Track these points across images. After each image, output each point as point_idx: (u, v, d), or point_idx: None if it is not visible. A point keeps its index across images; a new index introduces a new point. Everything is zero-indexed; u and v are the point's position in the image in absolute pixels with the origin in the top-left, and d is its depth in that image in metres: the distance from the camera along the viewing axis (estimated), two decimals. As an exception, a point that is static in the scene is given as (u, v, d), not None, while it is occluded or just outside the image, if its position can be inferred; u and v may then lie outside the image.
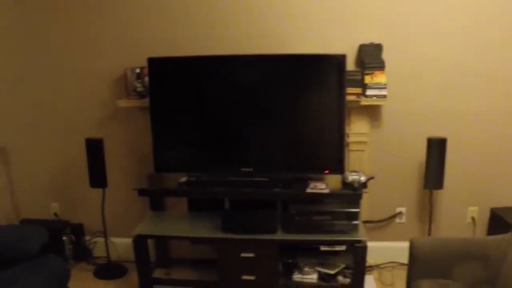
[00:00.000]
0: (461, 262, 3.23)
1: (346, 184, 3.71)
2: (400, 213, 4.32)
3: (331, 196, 3.72)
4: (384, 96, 3.85)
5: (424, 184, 3.99)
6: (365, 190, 3.69)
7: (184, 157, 3.94)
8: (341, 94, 3.67)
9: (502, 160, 4.24)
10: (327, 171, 3.77)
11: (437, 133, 4.03)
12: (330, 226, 3.64)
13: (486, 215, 4.33)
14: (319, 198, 3.72)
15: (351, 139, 4.02)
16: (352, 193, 3.67)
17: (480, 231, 4.37)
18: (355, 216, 3.63)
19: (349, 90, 3.80)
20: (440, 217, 4.32)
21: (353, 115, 4.00)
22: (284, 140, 3.81)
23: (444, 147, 3.88)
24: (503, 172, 4.26)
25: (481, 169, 4.25)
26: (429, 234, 4.14)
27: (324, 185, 3.75)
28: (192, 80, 3.83)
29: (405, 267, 4.01)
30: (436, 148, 3.88)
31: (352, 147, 4.05)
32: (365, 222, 4.17)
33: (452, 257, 3.23)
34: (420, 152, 4.11)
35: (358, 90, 3.89)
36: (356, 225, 3.66)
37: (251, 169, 3.82)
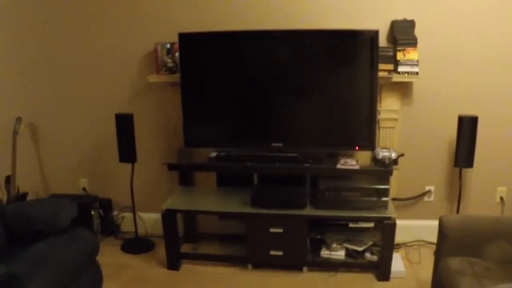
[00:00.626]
0: (491, 241, 3.20)
1: (376, 161, 3.69)
2: (429, 191, 4.29)
3: (361, 172, 3.71)
4: (416, 73, 3.81)
5: (454, 163, 3.95)
6: (395, 167, 3.68)
7: (214, 132, 3.95)
8: (373, 70, 3.64)
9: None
10: (357, 148, 3.75)
11: (468, 112, 3.97)
12: (360, 203, 3.65)
13: (515, 195, 4.34)
14: (349, 174, 3.72)
15: (382, 115, 3.98)
16: (383, 169, 3.66)
17: (509, 211, 4.33)
18: (384, 193, 3.62)
19: (381, 66, 3.76)
20: (469, 196, 4.28)
21: (384, 91, 3.95)
22: (315, 115, 3.79)
23: (476, 125, 3.83)
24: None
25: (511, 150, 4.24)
26: (457, 213, 4.11)
27: (354, 162, 3.73)
28: (222, 55, 3.82)
29: (433, 246, 4.00)
30: (467, 126, 3.83)
31: (382, 123, 4.02)
32: (394, 199, 4.13)
33: (482, 236, 3.21)
34: (450, 131, 4.07)
35: (390, 67, 3.84)
36: (386, 202, 3.65)
37: (281, 145, 3.82)
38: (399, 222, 3.82)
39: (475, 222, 3.25)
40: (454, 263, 3.07)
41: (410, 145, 4.16)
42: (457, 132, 3.87)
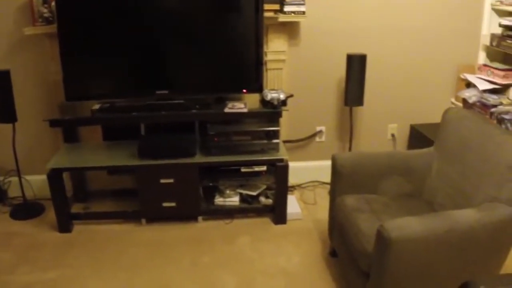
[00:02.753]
0: (385, 176, 3.19)
1: (265, 103, 3.55)
2: (320, 131, 4.23)
3: (250, 115, 3.56)
4: (303, 13, 3.68)
5: (344, 101, 3.89)
6: (284, 108, 3.56)
7: (96, 83, 3.64)
8: (258, 11, 3.47)
9: (421, 78, 4.21)
10: (245, 90, 3.59)
11: (357, 50, 3.91)
12: (250, 146, 3.52)
13: (405, 131, 4.32)
14: (237, 117, 3.57)
15: (269, 57, 3.84)
16: (272, 111, 3.53)
17: (400, 147, 4.37)
18: (275, 134, 3.51)
19: (267, 6, 3.60)
20: (360, 135, 4.27)
21: (271, 33, 3.79)
22: (200, 60, 3.59)
23: (364, 64, 3.77)
24: (422, 90, 4.24)
25: (400, 87, 4.21)
26: (349, 147, 4.09)
27: (242, 105, 3.57)
28: (100, 1, 3.51)
29: (327, 186, 3.97)
30: (356, 65, 3.76)
31: (270, 65, 3.88)
32: (285, 142, 4.06)
33: (376, 172, 3.19)
34: (340, 70, 4.01)
35: (276, 7, 3.68)
36: (277, 144, 3.54)
37: (166, 92, 3.59)
38: (292, 164, 3.76)
39: (368, 159, 3.22)
40: (350, 200, 3.03)
41: (300, 86, 4.06)
42: (346, 71, 3.79)
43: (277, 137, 3.53)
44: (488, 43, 4.02)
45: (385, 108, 4.24)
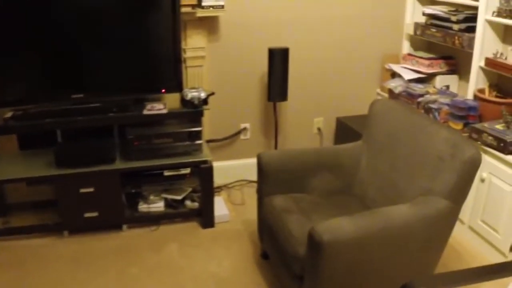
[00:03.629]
0: (314, 174, 3.06)
1: (185, 102, 3.34)
2: (244, 129, 4.06)
3: (170, 116, 3.36)
4: (222, 7, 3.50)
5: (268, 97, 3.75)
6: (206, 106, 3.38)
7: (6, 89, 3.30)
8: (175, 6, 3.26)
9: (346, 69, 4.12)
10: (164, 90, 3.37)
11: (280, 44, 3.76)
12: (173, 149, 3.32)
13: (332, 125, 4.22)
14: (157, 119, 3.36)
15: (188, 54, 3.64)
16: (192, 111, 3.34)
17: (327, 141, 4.27)
18: (197, 135, 3.33)
19: (184, 1, 3.40)
20: (286, 130, 4.14)
21: (189, 28, 3.59)
22: (116, 60, 3.33)
23: (287, 58, 3.64)
24: (347, 81, 4.16)
25: (325, 80, 4.11)
26: (275, 148, 3.95)
27: (162, 106, 3.35)
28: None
29: (255, 185, 3.82)
30: (278, 59, 3.61)
31: (189, 63, 3.67)
32: (209, 141, 3.89)
33: (304, 169, 3.06)
34: (262, 65, 3.85)
35: (193, 1, 3.48)
36: (200, 145, 3.37)
37: (82, 95, 3.30)
38: (217, 164, 3.64)
39: (295, 156, 3.08)
40: (279, 201, 2.88)
41: (222, 83, 3.87)
42: (268, 65, 3.64)
43: (199, 138, 3.34)
44: (412, 32, 3.96)
45: (310, 102, 4.13)
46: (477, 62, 3.47)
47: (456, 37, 3.53)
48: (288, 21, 3.86)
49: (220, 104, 3.87)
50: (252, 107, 4.02)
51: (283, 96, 3.73)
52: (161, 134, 3.29)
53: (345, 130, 4.06)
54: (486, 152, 3.14)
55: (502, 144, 3.08)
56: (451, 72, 3.89)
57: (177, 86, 3.37)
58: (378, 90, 4.26)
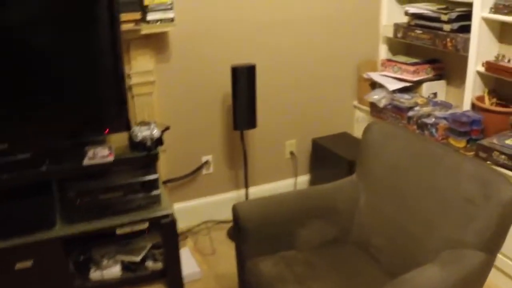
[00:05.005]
0: (302, 223, 2.38)
1: (135, 145, 2.57)
2: (206, 162, 3.33)
3: (119, 163, 2.58)
4: (171, 20, 2.79)
5: (233, 125, 3.04)
6: (161, 148, 2.64)
7: None
8: (113, 23, 2.49)
9: (318, 83, 3.48)
10: (107, 130, 2.61)
11: (243, 60, 3.07)
12: (125, 204, 2.56)
13: (306, 147, 3.57)
14: (102, 169, 2.58)
15: (134, 80, 2.89)
16: (145, 155, 2.57)
17: (302, 166, 3.61)
18: (153, 184, 2.58)
19: (124, 17, 2.65)
20: (255, 157, 3.44)
21: (133, 49, 2.85)
22: (45, 98, 2.53)
23: (253, 76, 2.94)
24: (320, 97, 3.52)
25: (296, 97, 3.46)
26: (245, 179, 3.22)
27: (106, 151, 2.57)
28: None
29: (223, 226, 3.20)
30: (244, 78, 2.92)
31: (136, 90, 2.92)
32: (166, 182, 3.17)
33: (291, 219, 2.37)
34: (224, 86, 3.17)
35: (136, 16, 2.73)
36: (157, 196, 2.61)
37: (5, 146, 2.49)
38: (178, 206, 3.05)
39: (278, 204, 2.40)
40: (267, 266, 2.21)
41: (176, 112, 3.15)
42: (232, 87, 2.94)
43: (156, 187, 2.59)
44: (391, 35, 3.36)
45: (280, 123, 3.45)
46: (474, 66, 2.90)
47: (448, 39, 2.95)
48: (250, 31, 3.18)
49: (176, 136, 3.13)
50: (214, 136, 3.31)
51: (252, 123, 3.04)
52: (108, 188, 2.52)
53: (322, 152, 3.44)
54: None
55: (518, 164, 2.58)
56: (438, 77, 3.32)
57: (123, 123, 2.61)
58: (356, 103, 3.64)
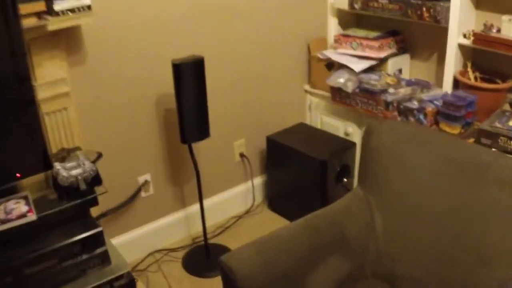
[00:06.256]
0: (315, 264, 1.76)
1: (64, 190, 1.76)
2: (145, 183, 2.55)
3: (44, 221, 1.71)
4: (88, 8, 1.96)
5: (181, 137, 2.26)
6: (99, 188, 1.82)
7: None
8: (11, 18, 1.64)
9: (264, 71, 2.81)
10: (19, 175, 1.78)
11: (182, 53, 2.28)
12: (62, 274, 1.75)
13: (259, 145, 2.92)
14: (22, 233, 1.71)
15: (41, 95, 2.02)
16: (80, 202, 1.78)
17: (256, 168, 2.97)
18: (97, 239, 1.79)
19: (24, 9, 1.80)
20: (200, 168, 2.54)
21: (37, 53, 1.98)
22: None
23: (202, 72, 2.21)
24: (269, 86, 2.85)
25: (242, 90, 2.77)
26: (199, 195, 2.47)
27: (24, 205, 1.71)
28: None
29: (175, 255, 2.53)
30: (189, 76, 2.17)
31: (46, 107, 2.06)
32: (100, 217, 2.36)
33: (300, 265, 1.74)
34: (162, 89, 2.41)
35: (40, 6, 1.89)
36: (104, 253, 1.82)
37: None
38: (118, 241, 2.41)
39: (282, 248, 1.73)
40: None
41: (102, 128, 2.33)
42: (175, 89, 2.18)
43: (101, 243, 1.79)
44: (344, 6, 2.74)
45: (225, 122, 2.74)
46: (455, 38, 2.40)
47: (425, 8, 2.42)
48: (184, 21, 2.41)
49: (105, 158, 2.14)
50: (150, 150, 2.53)
51: (204, 132, 2.30)
52: (36, 258, 1.69)
53: (278, 149, 2.80)
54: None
55: (531, 150, 2.14)
56: (402, 51, 2.79)
57: (40, 160, 1.79)
58: (307, 87, 3.00)
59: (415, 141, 1.83)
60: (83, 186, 1.74)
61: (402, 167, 1.82)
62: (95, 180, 1.79)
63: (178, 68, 2.15)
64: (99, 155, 1.96)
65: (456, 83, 2.50)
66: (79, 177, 1.75)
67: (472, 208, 1.64)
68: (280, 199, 2.94)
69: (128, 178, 2.48)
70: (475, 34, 2.31)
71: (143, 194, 2.56)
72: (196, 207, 2.71)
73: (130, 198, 2.50)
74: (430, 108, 2.37)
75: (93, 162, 1.87)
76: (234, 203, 2.94)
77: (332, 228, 1.85)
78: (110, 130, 2.35)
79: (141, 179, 2.52)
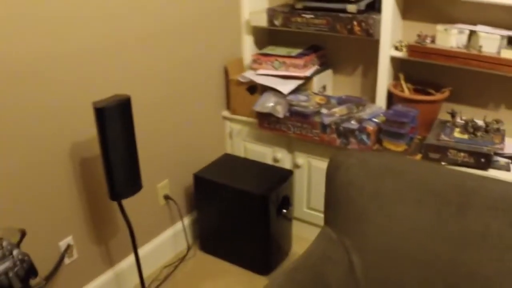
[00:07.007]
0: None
1: None
2: (68, 247, 2.07)
3: None
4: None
5: (110, 194, 1.86)
6: (36, 279, 1.40)
7: None
8: None
9: (181, 104, 2.44)
10: None
11: (100, 94, 1.97)
12: None
13: (183, 185, 2.57)
14: None
15: None
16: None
17: (184, 210, 2.62)
18: None
19: None
20: (122, 219, 2.11)
21: None
22: None
23: (129, 114, 1.81)
24: (185, 124, 2.49)
25: (159, 131, 2.35)
26: (134, 249, 2.19)
27: None
28: None
29: None
30: (115, 121, 1.77)
31: None
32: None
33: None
34: (76, 139, 1.97)
35: None
36: None
37: None
38: None
39: None
40: None
41: (8, 190, 1.82)
42: (99, 137, 1.77)
43: None
44: (262, 23, 2.50)
45: (147, 164, 2.33)
46: (387, 51, 2.28)
47: (355, 22, 2.26)
48: (90, 59, 1.92)
49: (18, 226, 1.65)
50: (70, 207, 2.06)
51: (136, 184, 1.91)
52: None
53: (207, 187, 2.45)
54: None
55: (482, 159, 2.01)
56: (324, 67, 2.62)
57: None
58: (226, 113, 2.69)
59: (389, 173, 1.62)
60: (17, 285, 1.32)
61: (379, 202, 1.61)
62: (30, 272, 1.38)
63: (101, 112, 1.74)
64: (23, 233, 1.51)
65: (390, 97, 2.40)
66: (10, 274, 1.32)
67: (464, 236, 1.48)
68: (213, 239, 2.58)
69: (48, 245, 1.99)
70: (410, 46, 2.19)
71: (67, 260, 2.08)
72: (124, 263, 2.34)
73: (53, 270, 2.01)
74: (371, 127, 2.21)
75: (18, 244, 1.45)
76: (164, 250, 2.56)
77: (313, 280, 1.59)
78: (21, 196, 1.85)
79: (63, 243, 2.05)
